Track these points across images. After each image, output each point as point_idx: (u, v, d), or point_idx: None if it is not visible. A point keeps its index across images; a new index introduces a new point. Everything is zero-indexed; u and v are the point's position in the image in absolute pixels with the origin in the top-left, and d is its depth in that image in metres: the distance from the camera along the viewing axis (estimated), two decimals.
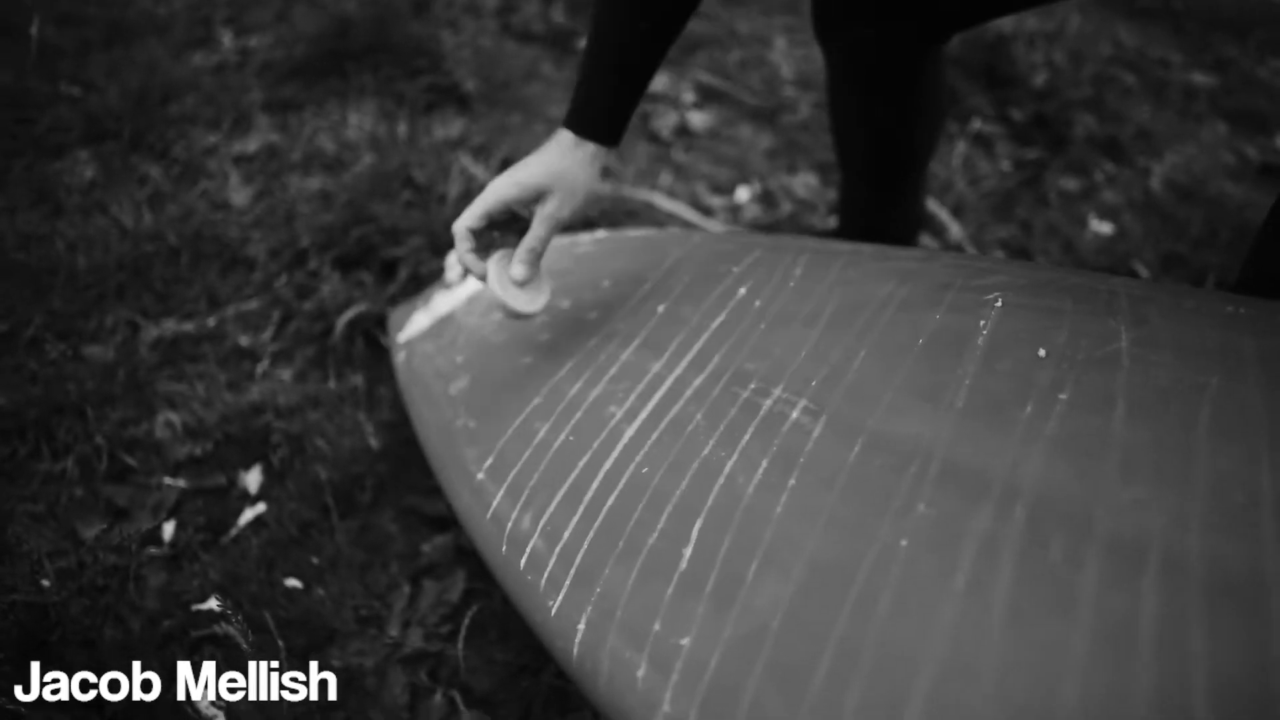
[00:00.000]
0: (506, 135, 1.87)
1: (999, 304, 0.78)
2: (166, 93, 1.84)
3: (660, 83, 2.07)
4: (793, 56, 2.19)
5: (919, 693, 0.52)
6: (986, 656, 0.52)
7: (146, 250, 1.53)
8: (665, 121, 1.95)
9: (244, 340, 1.46)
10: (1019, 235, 1.76)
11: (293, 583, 1.18)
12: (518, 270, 0.98)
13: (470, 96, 1.93)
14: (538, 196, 0.95)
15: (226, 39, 2.03)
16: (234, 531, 1.23)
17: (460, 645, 1.11)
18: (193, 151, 1.75)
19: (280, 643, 1.08)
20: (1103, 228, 1.79)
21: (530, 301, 1.00)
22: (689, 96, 2.04)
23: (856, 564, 0.61)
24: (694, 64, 2.14)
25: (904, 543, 0.60)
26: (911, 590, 0.58)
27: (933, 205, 1.72)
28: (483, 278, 1.00)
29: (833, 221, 1.69)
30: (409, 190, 1.65)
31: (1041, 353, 0.70)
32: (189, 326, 1.46)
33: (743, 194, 1.79)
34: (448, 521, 1.25)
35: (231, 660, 1.10)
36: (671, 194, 1.78)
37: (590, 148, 0.95)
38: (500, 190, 0.95)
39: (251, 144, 1.78)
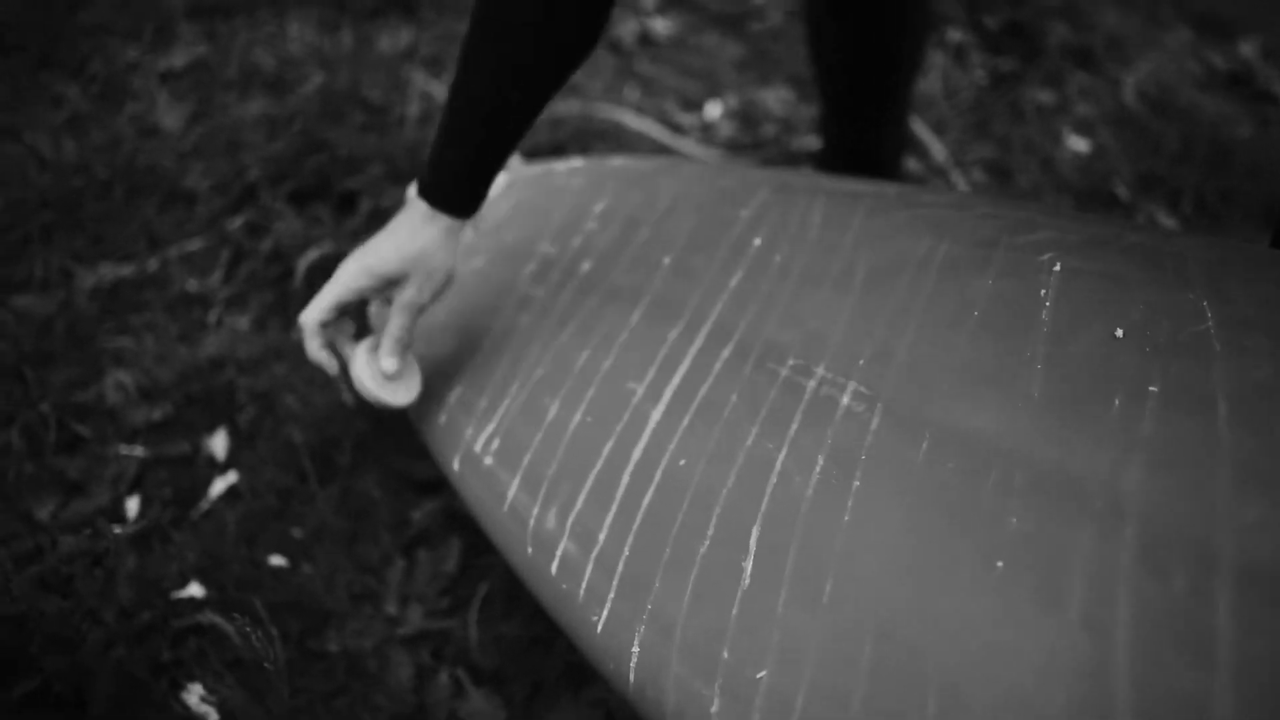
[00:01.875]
0: (458, 44, 1.73)
1: (1057, 268, 0.71)
2: None
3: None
4: None
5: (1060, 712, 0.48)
6: (1119, 705, 0.47)
7: (73, 184, 1.38)
8: (626, 29, 1.83)
9: (192, 285, 1.33)
10: (999, 154, 1.71)
11: (277, 560, 1.10)
12: (387, 364, 0.92)
13: (416, 2, 1.78)
14: (391, 284, 0.88)
15: None
16: (205, 504, 1.15)
17: (473, 625, 1.04)
18: (112, 67, 1.58)
19: (274, 630, 1.01)
20: (1080, 145, 1.76)
21: (406, 392, 0.95)
22: (649, 1, 1.92)
23: (950, 587, 0.55)
24: None
25: (1000, 564, 0.55)
26: (1022, 624, 0.52)
27: (915, 124, 1.65)
28: (342, 372, 0.96)
29: (814, 141, 1.61)
30: (362, 112, 1.52)
31: (1119, 333, 0.63)
32: (128, 271, 1.33)
33: (714, 110, 1.70)
34: (436, 484, 1.18)
35: (220, 650, 1.03)
36: (639, 110, 1.67)
37: (446, 221, 0.86)
38: (351, 280, 0.88)
39: (178, 58, 1.61)
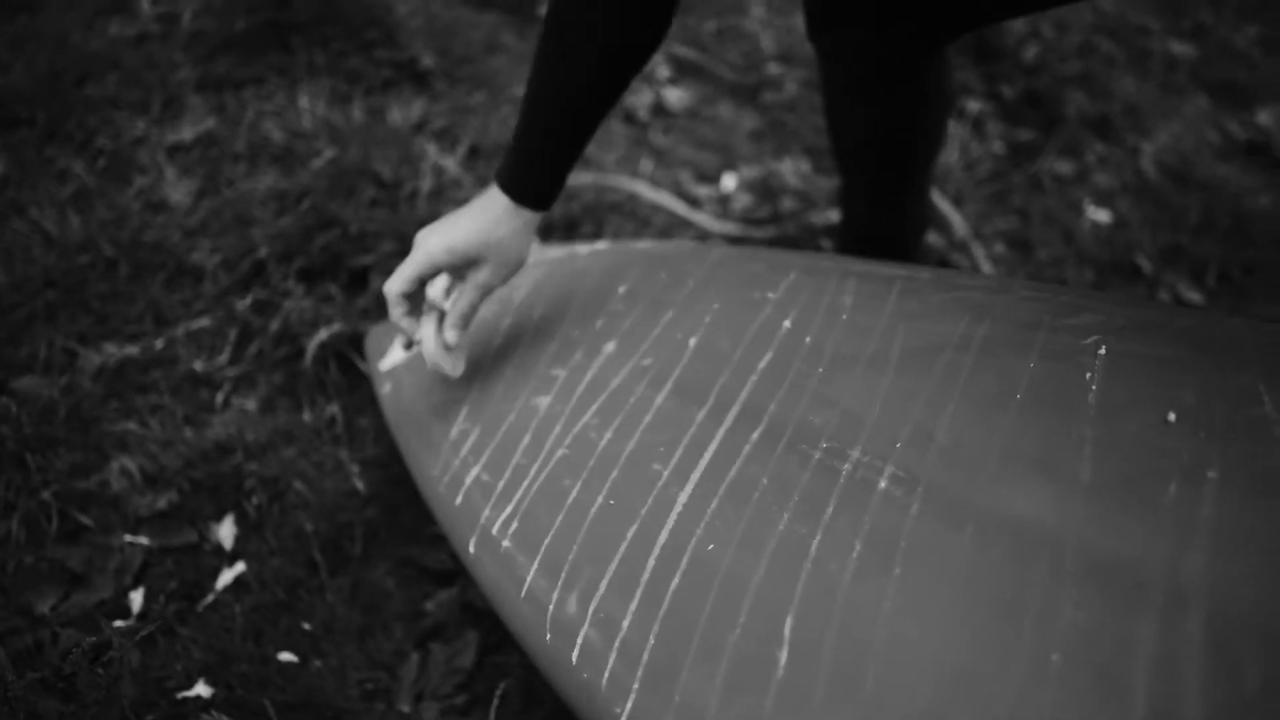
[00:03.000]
0: (471, 116, 1.72)
1: (1102, 351, 0.68)
2: (82, 71, 1.63)
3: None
4: (772, 27, 2.07)
5: None
6: None
7: (79, 262, 1.35)
8: (640, 99, 1.81)
9: (198, 365, 1.30)
10: (1019, 226, 1.69)
11: (287, 656, 1.06)
12: (451, 336, 0.97)
13: (429, 73, 1.77)
14: (470, 263, 0.93)
15: (145, 3, 1.81)
16: (212, 596, 1.11)
17: None
18: (119, 141, 1.56)
19: None
20: (1100, 215, 1.74)
21: (458, 365, 1.01)
22: (663, 71, 1.90)
23: (1002, 678, 0.52)
24: (667, 35, 2.00)
25: (1055, 657, 0.52)
26: (1078, 712, 0.49)
27: (936, 197, 1.63)
28: (414, 342, 1.05)
29: (832, 215, 1.59)
30: (373, 187, 1.50)
31: (1171, 417, 0.61)
32: (134, 350, 1.30)
33: (729, 182, 1.67)
34: (450, 574, 1.14)
35: None
36: (654, 182, 1.65)
37: (527, 214, 0.92)
38: (434, 256, 0.93)
39: (186, 131, 1.59)
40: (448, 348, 0.99)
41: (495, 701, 1.02)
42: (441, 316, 0.99)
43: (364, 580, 1.14)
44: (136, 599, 1.09)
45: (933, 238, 1.56)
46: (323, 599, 1.11)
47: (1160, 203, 1.78)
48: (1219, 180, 1.82)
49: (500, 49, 1.90)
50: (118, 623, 1.06)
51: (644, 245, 1.17)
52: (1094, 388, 0.66)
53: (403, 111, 1.67)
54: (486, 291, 0.95)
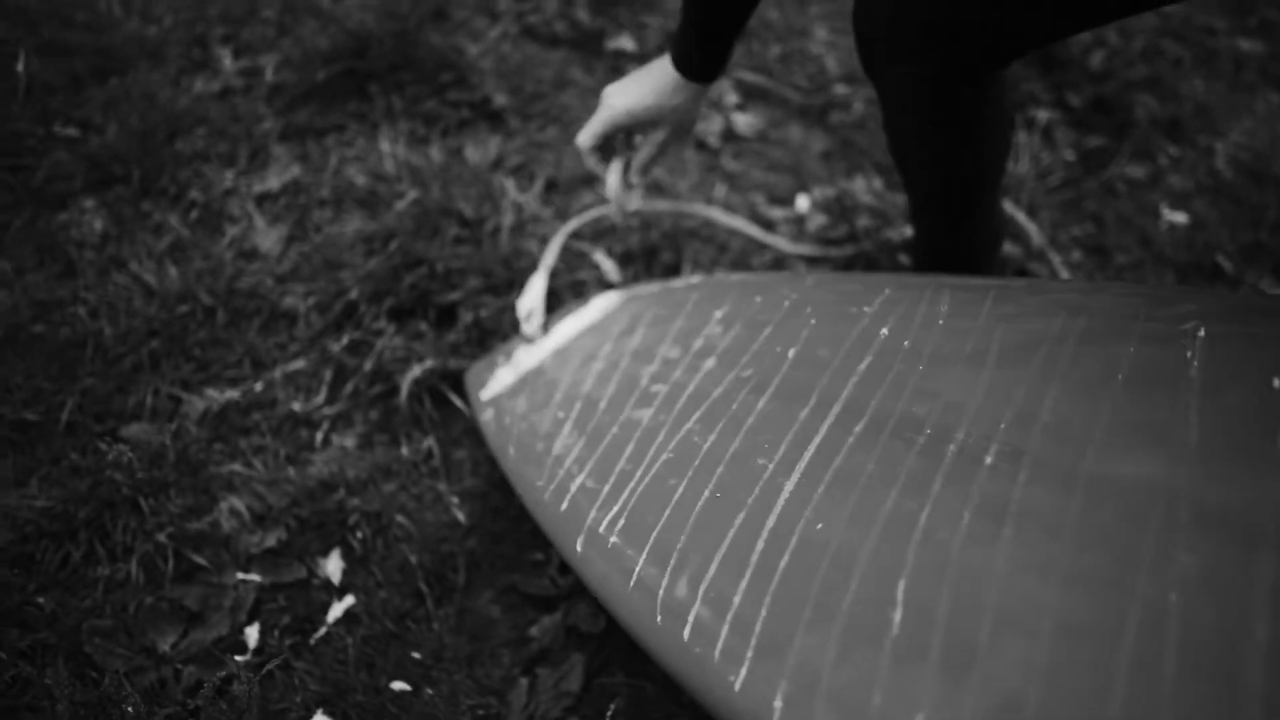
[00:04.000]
0: (545, 151, 1.75)
1: (1201, 333, 0.68)
2: (172, 127, 1.69)
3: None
4: (836, 48, 2.08)
5: None
6: None
7: (179, 311, 1.40)
8: (710, 126, 1.83)
9: (296, 405, 1.34)
10: (1095, 232, 1.68)
11: (399, 685, 1.09)
12: (635, 178, 1.17)
13: (502, 112, 1.81)
14: (647, 125, 1.09)
15: (227, 60, 1.87)
16: (324, 629, 1.13)
17: None
18: (210, 193, 1.61)
19: None
20: (1177, 217, 1.72)
21: (634, 200, 1.20)
22: (731, 97, 1.92)
23: (1121, 621, 0.52)
24: (732, 61, 2.02)
25: (1173, 596, 0.52)
26: (1203, 649, 0.49)
27: (1009, 208, 1.63)
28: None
29: (909, 232, 1.59)
30: (456, 225, 1.53)
31: (1276, 383, 0.61)
32: (235, 394, 1.34)
33: (803, 203, 1.68)
34: (553, 599, 1.16)
35: None
36: (728, 207, 1.67)
37: (696, 86, 1.05)
38: (617, 118, 1.08)
39: (272, 180, 1.64)
40: (629, 187, 1.19)
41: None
42: (626, 165, 1.18)
43: (469, 609, 1.16)
44: (252, 635, 1.12)
45: (1009, 248, 1.56)
46: (430, 629, 1.13)
47: (1237, 201, 1.75)
48: None
49: (570, 84, 1.94)
50: (237, 659, 1.09)
51: (738, 276, 1.18)
52: (1195, 363, 0.66)
53: (479, 150, 1.71)
54: (664, 148, 1.12)
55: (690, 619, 0.70)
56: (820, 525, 0.70)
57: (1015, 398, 0.71)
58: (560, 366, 1.15)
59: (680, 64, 1.03)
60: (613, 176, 1.16)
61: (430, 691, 1.08)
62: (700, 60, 1.02)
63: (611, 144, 1.16)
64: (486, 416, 1.16)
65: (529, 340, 1.26)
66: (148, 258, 1.49)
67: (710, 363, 0.97)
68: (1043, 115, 1.89)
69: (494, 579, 1.19)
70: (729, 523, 0.75)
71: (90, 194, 1.60)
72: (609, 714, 1.05)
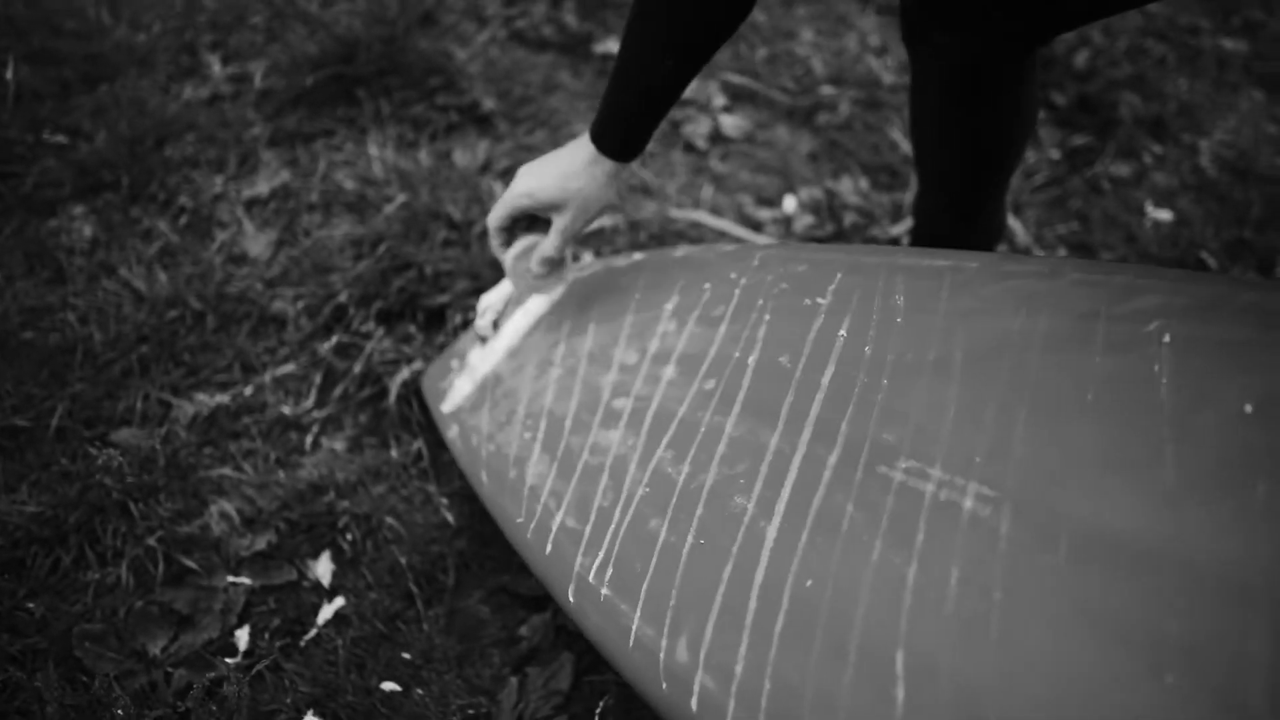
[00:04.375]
0: (533, 154, 1.75)
1: (1166, 339, 0.67)
2: (161, 134, 1.70)
3: (689, 86, 1.96)
4: (823, 50, 2.09)
5: None
6: None
7: (168, 317, 1.40)
8: (698, 128, 1.84)
9: (286, 409, 1.34)
10: (1080, 230, 1.69)
11: (390, 686, 1.09)
12: (537, 270, 1.09)
13: (490, 115, 1.81)
14: (551, 208, 1.01)
15: (215, 66, 1.88)
16: (314, 631, 1.14)
17: None
18: (199, 199, 1.61)
19: None
20: (1161, 214, 1.73)
21: (547, 286, 1.17)
22: (719, 100, 1.93)
23: (1120, 706, 0.52)
24: (718, 64, 2.03)
25: (1170, 679, 0.51)
26: None
27: None
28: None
29: (894, 230, 1.60)
30: (445, 228, 1.54)
31: (1248, 408, 0.59)
32: (225, 399, 1.34)
33: (790, 204, 1.69)
34: (542, 599, 1.16)
35: None
36: (715, 209, 1.68)
37: (609, 164, 0.98)
38: (516, 200, 1.02)
39: (261, 185, 1.64)
40: (536, 277, 1.12)
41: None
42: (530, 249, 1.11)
43: (459, 609, 1.17)
44: (242, 637, 1.12)
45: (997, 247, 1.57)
46: (420, 629, 1.14)
47: (1221, 198, 1.77)
48: (1279, 171, 1.81)
49: (558, 88, 1.94)
50: (227, 661, 1.10)
51: (680, 252, 1.17)
52: (1164, 381, 0.64)
53: (468, 154, 1.72)
54: (570, 236, 1.03)
55: (695, 689, 0.70)
56: (810, 582, 0.70)
57: (985, 422, 0.70)
58: (517, 374, 1.14)
59: (599, 140, 0.97)
60: (511, 268, 1.11)
61: (420, 692, 1.08)
62: (621, 138, 0.96)
63: (517, 228, 1.10)
64: (452, 434, 1.16)
65: (481, 337, 1.25)
66: (137, 263, 1.49)
67: (670, 371, 0.97)
68: None
69: (483, 579, 1.19)
70: (718, 576, 0.75)
71: (79, 200, 1.60)
72: (598, 712, 1.05)
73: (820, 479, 0.76)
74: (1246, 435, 0.59)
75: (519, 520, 0.96)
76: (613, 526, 0.87)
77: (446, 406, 1.20)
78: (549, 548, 0.91)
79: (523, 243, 1.09)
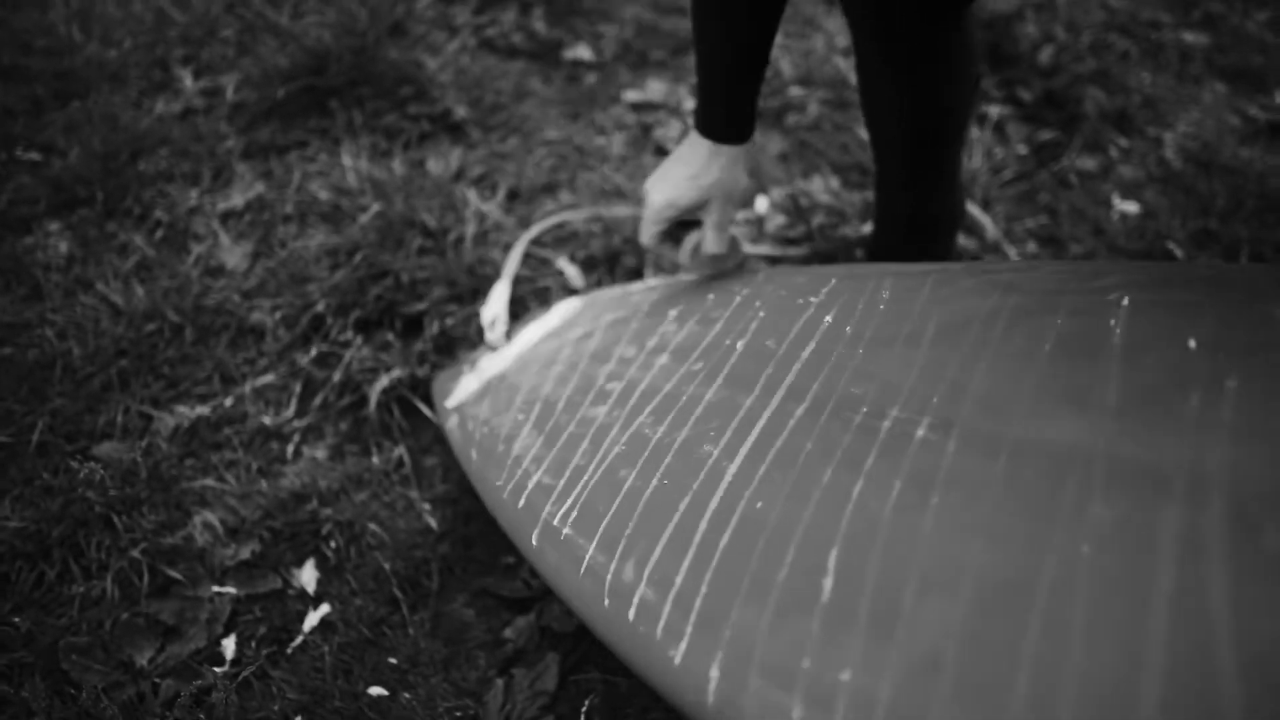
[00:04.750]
0: (507, 161, 1.78)
1: (1125, 302, 0.71)
2: (134, 148, 1.70)
3: (658, 90, 1.98)
4: (790, 51, 2.11)
5: (1149, 700, 0.47)
6: (1220, 664, 0.47)
7: (146, 330, 1.41)
8: (669, 131, 1.86)
9: (267, 419, 1.35)
10: (1049, 223, 1.71)
11: (377, 691, 1.10)
12: (709, 265, 1.12)
13: (463, 123, 1.83)
14: (696, 208, 1.02)
15: (187, 80, 1.89)
16: (300, 639, 1.15)
17: None
18: (174, 212, 1.62)
19: None
20: (1128, 207, 1.76)
21: (727, 261, 1.14)
22: (689, 103, 1.95)
23: (1035, 576, 0.54)
24: (688, 67, 2.05)
25: (1085, 549, 0.54)
26: (1112, 598, 0.51)
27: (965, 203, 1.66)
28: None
29: (865, 228, 1.62)
30: (420, 236, 1.55)
31: (1191, 344, 0.63)
32: (205, 410, 1.35)
33: (762, 204, 1.71)
34: (527, 601, 1.17)
35: None
36: None
37: (729, 150, 0.98)
38: (661, 213, 1.03)
39: (236, 198, 1.65)
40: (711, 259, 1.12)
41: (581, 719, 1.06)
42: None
43: (444, 613, 1.18)
44: (229, 646, 1.13)
45: (965, 241, 1.59)
46: (406, 634, 1.15)
47: (1187, 190, 1.79)
48: (1243, 163, 1.83)
49: (529, 95, 1.96)
50: (215, 670, 1.10)
51: (693, 276, 1.21)
52: (1118, 331, 0.68)
53: (441, 162, 1.73)
54: (723, 227, 1.05)
55: (635, 600, 0.72)
56: (760, 504, 0.72)
57: (947, 374, 0.74)
58: (521, 371, 1.17)
59: (710, 130, 0.97)
60: (683, 253, 1.13)
61: (407, 695, 1.09)
62: (726, 121, 0.97)
63: (672, 229, 1.11)
64: (451, 424, 1.18)
65: (493, 348, 1.28)
66: (114, 278, 1.50)
67: (664, 359, 1.00)
68: (995, 111, 1.93)
69: (467, 583, 1.20)
70: (674, 507, 0.77)
71: (55, 217, 1.61)
72: (584, 711, 1.07)
73: (785, 426, 0.79)
74: (1189, 363, 0.62)
75: (498, 483, 0.98)
76: (584, 479, 0.89)
77: (451, 402, 1.22)
78: (521, 502, 0.92)
79: (691, 239, 1.13)
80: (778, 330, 0.92)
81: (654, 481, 0.82)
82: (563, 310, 1.28)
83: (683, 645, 0.66)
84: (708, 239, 1.05)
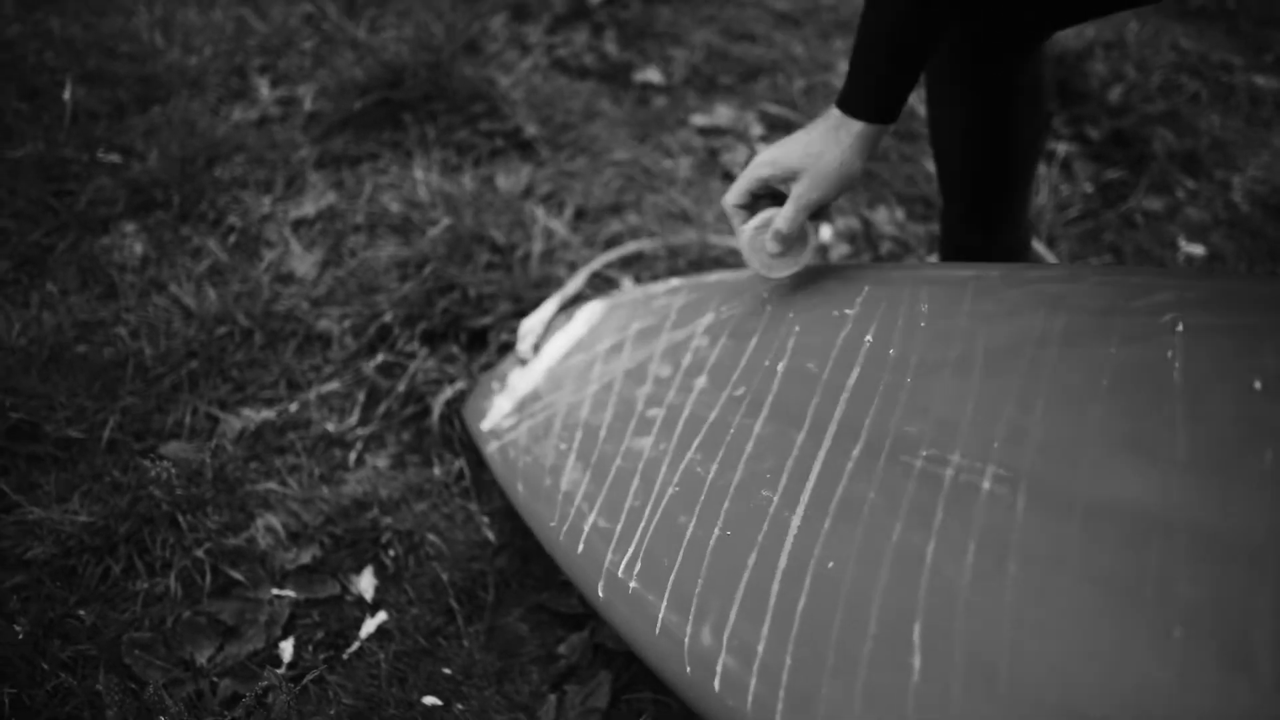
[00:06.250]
0: (575, 180, 1.79)
1: (1180, 328, 0.68)
2: (211, 154, 1.74)
3: (725, 115, 1.99)
4: None
5: None
6: None
7: (217, 333, 1.44)
8: (736, 157, 1.87)
9: (330, 426, 1.37)
10: (1112, 263, 1.70)
11: (431, 700, 1.10)
12: (771, 246, 0.99)
13: (533, 141, 1.85)
14: (792, 176, 0.94)
15: (264, 89, 1.93)
16: (356, 645, 1.16)
17: None
18: (248, 219, 1.65)
19: None
20: (1194, 249, 1.74)
21: (787, 267, 1.03)
22: (756, 129, 1.96)
23: (1129, 661, 0.53)
24: (756, 94, 2.06)
25: (1177, 632, 0.53)
26: (1212, 691, 0.50)
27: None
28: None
29: (930, 260, 1.62)
30: (488, 251, 1.57)
31: (1257, 385, 0.61)
32: (270, 414, 1.37)
33: (826, 233, 1.71)
34: (581, 618, 1.18)
35: None
36: None
37: (856, 127, 0.91)
38: (757, 169, 0.96)
39: (308, 206, 1.68)
40: (771, 255, 1.01)
41: None
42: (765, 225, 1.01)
43: (499, 626, 1.18)
44: (287, 649, 1.14)
45: None
46: (461, 645, 1.15)
47: (1254, 234, 1.77)
48: None
49: (598, 115, 1.98)
50: (274, 672, 1.12)
51: (714, 277, 1.20)
52: (1177, 365, 0.66)
53: (510, 178, 1.75)
54: (806, 205, 0.95)
55: (718, 669, 0.72)
56: (831, 564, 0.71)
57: (1004, 411, 0.72)
58: (554, 390, 1.17)
59: (846, 103, 0.91)
60: (744, 243, 1.01)
61: (461, 706, 1.10)
62: (871, 98, 0.90)
63: (758, 203, 1.02)
64: (491, 449, 1.18)
65: (521, 361, 1.28)
66: (187, 280, 1.53)
67: (702, 381, 0.99)
68: (1062, 148, 1.92)
69: (523, 597, 1.21)
70: (742, 564, 0.77)
71: (131, 218, 1.64)
72: None
73: (844, 470, 0.78)
74: (1256, 410, 0.60)
75: (552, 524, 0.98)
76: (643, 524, 0.89)
77: (486, 425, 1.22)
78: (581, 547, 0.93)
79: (761, 216, 1.00)
80: (817, 351, 0.91)
81: (716, 531, 0.82)
82: (587, 316, 1.28)
83: None
84: (783, 213, 0.95)
